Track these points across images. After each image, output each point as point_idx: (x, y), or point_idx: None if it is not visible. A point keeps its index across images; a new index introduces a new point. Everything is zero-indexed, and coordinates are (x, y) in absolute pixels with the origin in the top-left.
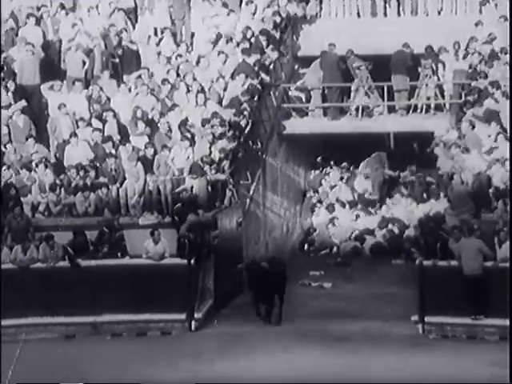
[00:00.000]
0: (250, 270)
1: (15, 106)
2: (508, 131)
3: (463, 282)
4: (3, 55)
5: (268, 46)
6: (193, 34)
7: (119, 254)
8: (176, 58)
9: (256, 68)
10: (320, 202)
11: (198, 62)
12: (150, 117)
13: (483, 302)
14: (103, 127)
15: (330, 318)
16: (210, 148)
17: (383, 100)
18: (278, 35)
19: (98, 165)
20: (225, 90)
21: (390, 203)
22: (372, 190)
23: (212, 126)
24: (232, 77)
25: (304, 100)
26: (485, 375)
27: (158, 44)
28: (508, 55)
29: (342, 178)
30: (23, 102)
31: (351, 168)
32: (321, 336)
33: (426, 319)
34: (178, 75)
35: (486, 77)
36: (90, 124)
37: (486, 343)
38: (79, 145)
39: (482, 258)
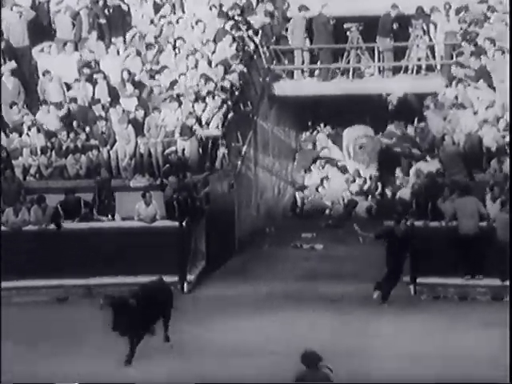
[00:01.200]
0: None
1: (4, 66)
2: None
3: (459, 241)
4: None
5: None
6: None
7: (109, 216)
8: (159, 20)
9: (245, 29)
10: (314, 161)
11: (177, 22)
12: (137, 78)
13: (480, 261)
14: (93, 89)
15: (321, 280)
16: (193, 106)
17: (374, 61)
18: None
19: (88, 127)
20: (213, 52)
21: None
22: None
23: (198, 85)
24: (216, 40)
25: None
26: (477, 335)
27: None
28: (507, 15)
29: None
30: (13, 63)
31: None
32: (312, 297)
33: (418, 280)
34: (158, 37)
35: (475, 38)
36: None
37: (477, 303)
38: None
39: (478, 217)
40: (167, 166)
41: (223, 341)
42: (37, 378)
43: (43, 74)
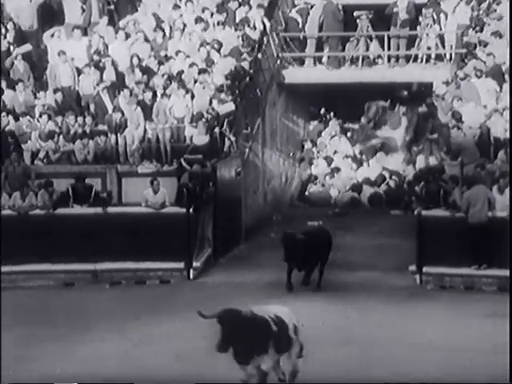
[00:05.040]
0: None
1: (19, 49)
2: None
3: (468, 231)
4: None
5: None
6: None
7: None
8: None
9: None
10: (318, 152)
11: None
12: (145, 64)
13: (487, 251)
14: (101, 75)
15: (327, 268)
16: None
17: (383, 50)
18: None
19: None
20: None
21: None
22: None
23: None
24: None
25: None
26: (482, 326)
27: None
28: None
29: (343, 131)
30: (28, 46)
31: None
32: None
33: (424, 270)
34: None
35: (481, 29)
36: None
37: (484, 294)
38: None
39: (488, 205)
40: (188, 154)
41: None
42: (44, 363)
43: (58, 55)
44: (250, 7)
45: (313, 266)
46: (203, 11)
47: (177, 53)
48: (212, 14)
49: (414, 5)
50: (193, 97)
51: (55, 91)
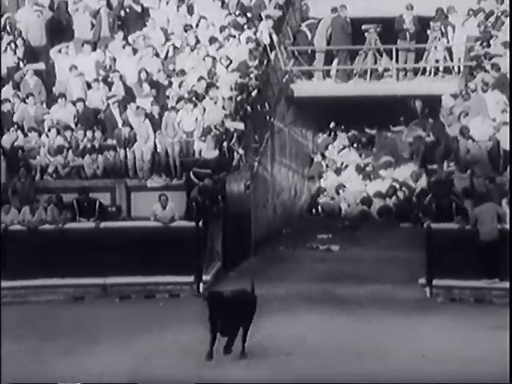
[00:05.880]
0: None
1: (31, 65)
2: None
3: (479, 246)
4: (5, 15)
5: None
6: None
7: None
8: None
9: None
10: (327, 166)
11: (197, 25)
12: (155, 78)
13: (498, 265)
14: (109, 89)
15: (337, 282)
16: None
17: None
18: None
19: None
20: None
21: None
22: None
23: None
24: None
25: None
26: (492, 339)
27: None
28: None
29: (352, 144)
30: (41, 65)
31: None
32: (328, 299)
33: (434, 282)
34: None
35: (488, 43)
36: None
37: (494, 306)
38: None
39: (497, 220)
40: (196, 168)
41: (237, 341)
42: (54, 376)
43: (70, 69)
44: (260, 20)
45: (237, 331)
46: (221, 31)
47: (185, 68)
48: (224, 29)
49: (418, 17)
50: (204, 111)
51: (75, 103)
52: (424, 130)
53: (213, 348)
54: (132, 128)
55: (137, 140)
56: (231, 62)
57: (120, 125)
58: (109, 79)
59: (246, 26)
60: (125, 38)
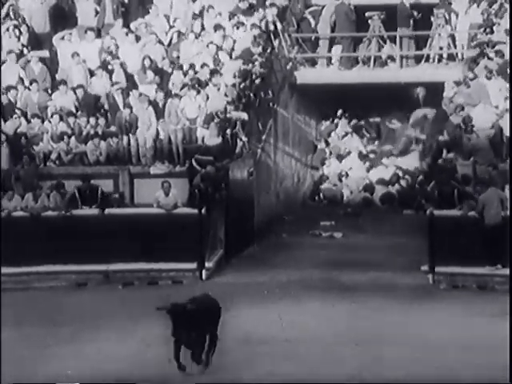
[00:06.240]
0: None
1: (35, 52)
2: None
3: (482, 232)
4: (9, 3)
5: None
6: None
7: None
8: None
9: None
10: (330, 153)
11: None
12: (159, 66)
13: (501, 250)
14: (110, 76)
15: (340, 268)
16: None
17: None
18: None
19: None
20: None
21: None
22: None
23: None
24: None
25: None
26: (495, 325)
27: None
28: None
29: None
30: (46, 53)
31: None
32: (331, 286)
33: (437, 269)
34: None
35: (491, 30)
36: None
37: (496, 293)
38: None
39: (501, 206)
40: (199, 154)
41: (239, 328)
42: (56, 363)
43: (72, 56)
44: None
45: (203, 342)
46: (230, 18)
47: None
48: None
49: (421, 5)
50: (207, 98)
51: (75, 90)
52: (422, 130)
53: (179, 361)
54: (132, 110)
55: (138, 124)
56: (233, 49)
57: (124, 110)
58: (109, 66)
59: (253, 11)
60: (127, 25)
